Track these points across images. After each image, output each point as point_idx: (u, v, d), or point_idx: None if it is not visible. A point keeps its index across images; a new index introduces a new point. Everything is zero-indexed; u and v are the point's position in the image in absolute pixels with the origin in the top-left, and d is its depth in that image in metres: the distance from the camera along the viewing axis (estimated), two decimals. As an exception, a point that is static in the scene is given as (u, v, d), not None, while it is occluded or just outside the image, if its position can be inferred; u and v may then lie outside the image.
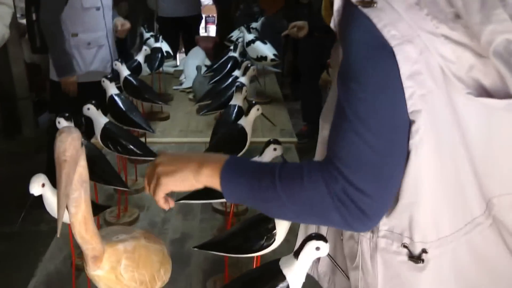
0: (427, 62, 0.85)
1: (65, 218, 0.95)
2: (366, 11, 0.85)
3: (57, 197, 0.87)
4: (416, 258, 0.96)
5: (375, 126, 0.86)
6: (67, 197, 0.88)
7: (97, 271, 0.99)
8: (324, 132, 1.13)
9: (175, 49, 5.18)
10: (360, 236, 1.02)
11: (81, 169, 0.91)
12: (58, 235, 0.89)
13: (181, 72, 3.89)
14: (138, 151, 1.91)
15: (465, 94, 0.86)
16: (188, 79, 3.65)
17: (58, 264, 1.71)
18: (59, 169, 0.86)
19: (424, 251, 0.95)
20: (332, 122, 0.92)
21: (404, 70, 0.83)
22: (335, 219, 0.89)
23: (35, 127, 4.91)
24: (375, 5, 0.85)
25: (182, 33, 5.34)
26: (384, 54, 0.84)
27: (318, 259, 1.20)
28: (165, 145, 2.72)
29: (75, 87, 3.04)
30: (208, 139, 2.16)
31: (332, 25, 0.95)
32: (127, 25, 3.42)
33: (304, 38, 3.77)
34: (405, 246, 0.96)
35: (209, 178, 1.00)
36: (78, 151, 0.88)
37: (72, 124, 1.60)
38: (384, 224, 0.97)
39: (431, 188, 0.91)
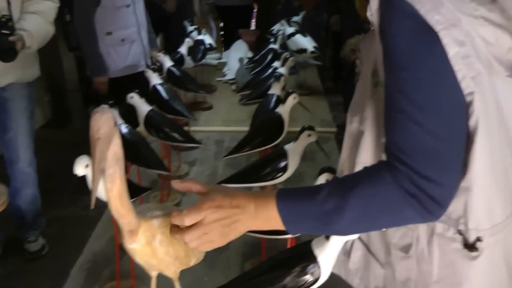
0: (473, 44, 0.84)
1: (104, 195, 1.00)
2: None
3: (92, 172, 0.93)
4: (470, 246, 0.93)
5: (433, 111, 0.83)
6: (101, 172, 0.93)
7: (133, 245, 1.03)
8: (353, 125, 1.13)
9: (232, 39, 5.15)
10: None
11: (116, 147, 0.94)
12: (92, 206, 0.94)
13: (224, 64, 3.96)
14: (180, 138, 1.98)
15: (505, 77, 0.86)
16: (231, 71, 3.72)
17: (103, 245, 1.80)
18: (93, 146, 0.91)
19: (478, 239, 0.92)
20: (385, 117, 0.90)
21: (453, 53, 0.82)
22: (409, 214, 0.86)
23: (85, 118, 5.04)
24: None
25: (236, 23, 5.36)
26: (430, 39, 0.82)
27: (348, 256, 1.20)
28: (208, 133, 2.80)
29: (106, 86, 3.13)
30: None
31: (368, 14, 0.92)
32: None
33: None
34: (460, 233, 0.94)
35: (267, 222, 0.92)
36: (111, 129, 0.92)
37: (116, 112, 1.67)
38: None
39: (483, 171, 0.89)
